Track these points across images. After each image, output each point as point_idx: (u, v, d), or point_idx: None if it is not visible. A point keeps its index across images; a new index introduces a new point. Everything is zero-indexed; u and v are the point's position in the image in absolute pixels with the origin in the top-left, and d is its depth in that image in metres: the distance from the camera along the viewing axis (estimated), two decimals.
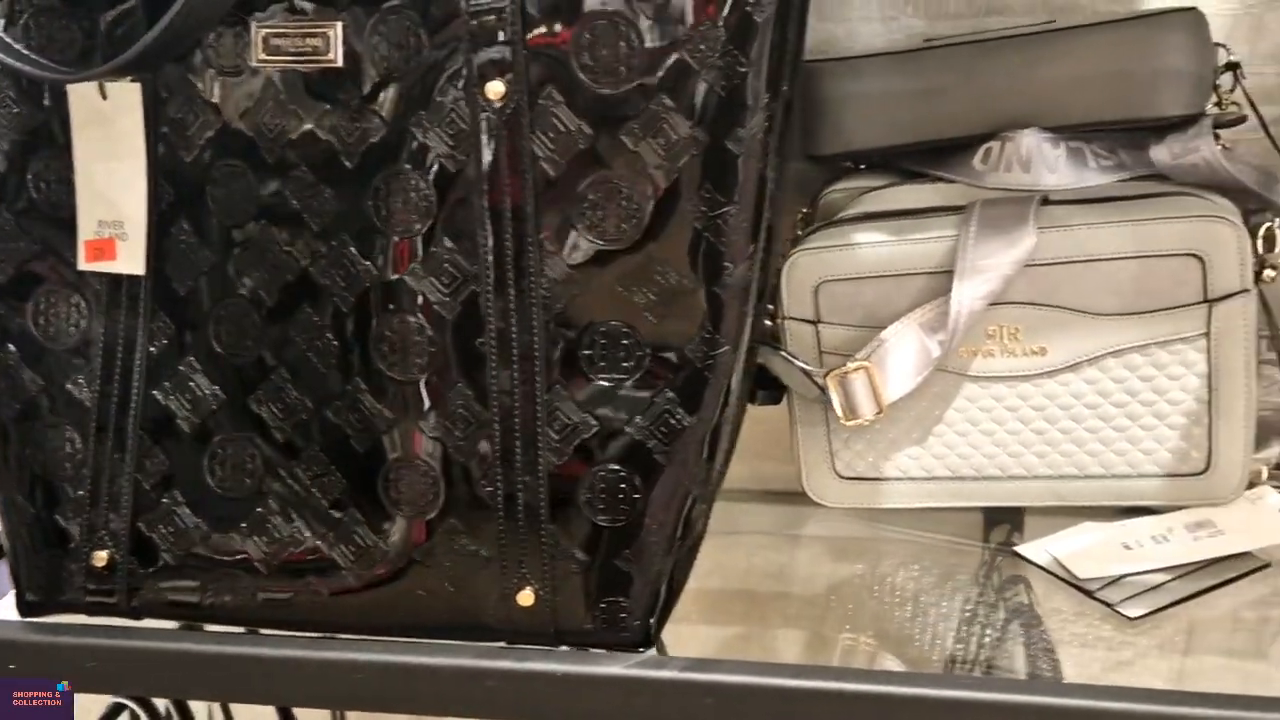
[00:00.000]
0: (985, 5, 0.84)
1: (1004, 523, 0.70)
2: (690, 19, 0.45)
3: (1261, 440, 0.66)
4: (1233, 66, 0.75)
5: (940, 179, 0.70)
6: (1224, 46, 0.76)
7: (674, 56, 0.46)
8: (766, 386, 0.67)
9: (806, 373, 0.63)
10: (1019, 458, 0.64)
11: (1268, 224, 0.67)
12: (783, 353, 0.64)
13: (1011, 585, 0.71)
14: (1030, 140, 0.67)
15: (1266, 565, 0.62)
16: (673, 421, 0.51)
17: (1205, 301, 0.60)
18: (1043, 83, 0.67)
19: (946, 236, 0.62)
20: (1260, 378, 0.67)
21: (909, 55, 0.71)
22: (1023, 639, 0.67)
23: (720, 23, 0.45)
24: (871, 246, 0.63)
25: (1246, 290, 0.59)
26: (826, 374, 0.63)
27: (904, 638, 0.66)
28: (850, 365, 0.62)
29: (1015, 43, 0.68)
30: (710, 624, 0.98)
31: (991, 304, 0.62)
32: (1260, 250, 0.66)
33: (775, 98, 0.47)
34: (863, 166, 0.75)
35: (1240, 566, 0.61)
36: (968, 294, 0.60)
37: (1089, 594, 0.60)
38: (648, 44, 0.46)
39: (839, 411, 0.63)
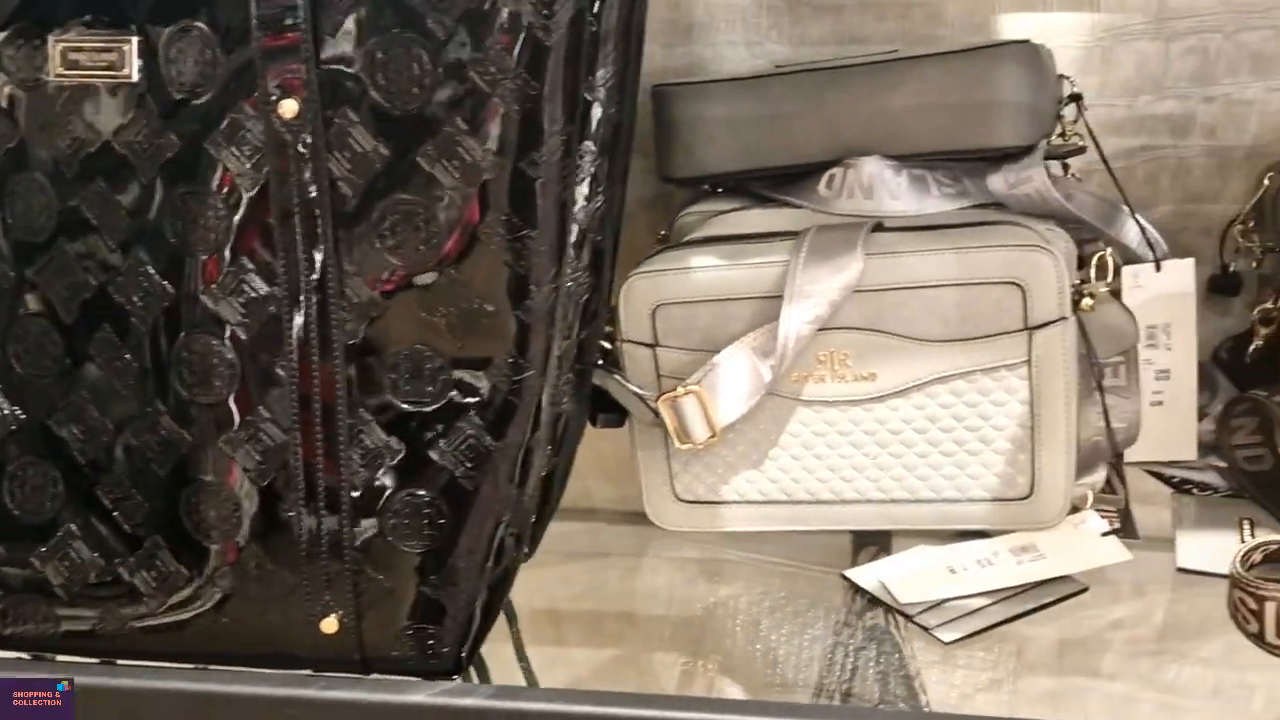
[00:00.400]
0: (847, 33, 0.86)
1: (872, 545, 0.70)
2: (480, 42, 0.45)
3: (1089, 466, 0.68)
4: (1076, 99, 0.76)
5: (788, 204, 0.71)
6: (1067, 79, 0.78)
7: (466, 79, 0.46)
8: (608, 409, 0.67)
9: (639, 396, 0.63)
10: (852, 482, 0.65)
11: (1099, 253, 0.68)
12: (616, 376, 0.64)
13: (871, 610, 0.71)
14: (872, 167, 0.68)
15: (1085, 589, 0.63)
16: (479, 446, 0.50)
17: (1026, 329, 0.61)
18: (886, 111, 0.68)
19: (778, 261, 0.62)
20: (1089, 404, 0.69)
21: (758, 81, 0.72)
22: (879, 665, 0.68)
23: (510, 46, 0.45)
24: (706, 270, 0.64)
25: (1065, 318, 0.60)
26: (658, 398, 0.62)
27: (757, 664, 0.66)
28: (681, 389, 0.62)
29: (860, 71, 0.69)
30: (582, 647, 0.98)
31: (821, 329, 0.62)
32: (1094, 277, 0.68)
33: (571, 121, 0.47)
34: (720, 190, 0.76)
35: (1060, 590, 0.62)
36: (795, 319, 0.61)
37: (909, 618, 0.60)
38: (440, 65, 0.46)
39: (672, 435, 0.63)
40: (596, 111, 0.56)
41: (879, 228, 0.64)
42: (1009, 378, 0.62)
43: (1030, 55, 0.68)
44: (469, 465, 0.51)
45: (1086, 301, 0.61)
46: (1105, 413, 0.64)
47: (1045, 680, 0.64)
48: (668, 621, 0.78)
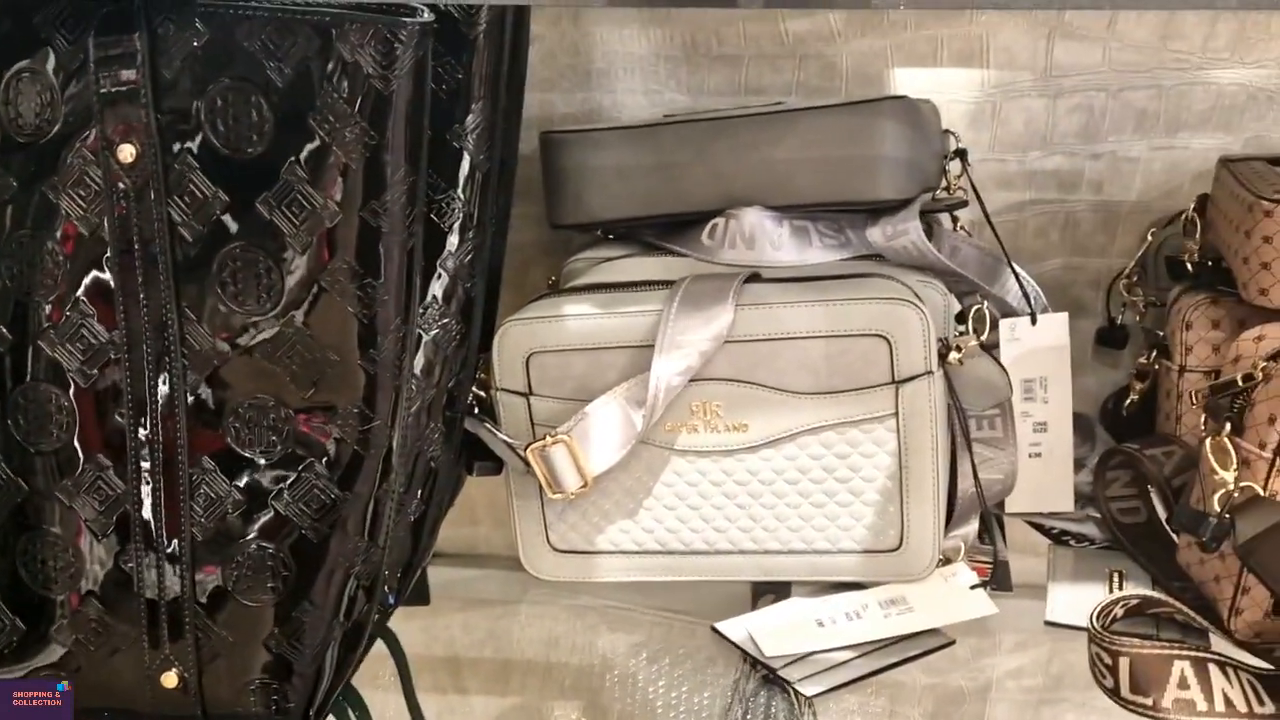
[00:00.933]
0: (745, 83, 0.87)
1: (770, 594, 0.70)
2: (318, 91, 0.45)
3: (965, 517, 0.68)
4: (960, 154, 0.78)
5: (675, 253, 0.71)
6: (952, 134, 0.79)
7: (305, 127, 0.45)
8: (484, 457, 0.66)
9: (509, 445, 0.63)
10: (725, 532, 0.65)
11: (976, 306, 0.69)
12: (487, 424, 0.63)
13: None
14: (753, 217, 0.69)
15: (951, 642, 0.63)
16: (325, 498, 0.50)
17: (894, 382, 0.61)
18: (770, 162, 0.69)
19: (652, 311, 0.62)
20: (966, 457, 0.70)
21: (646, 130, 0.72)
22: (770, 715, 0.67)
23: (348, 96, 0.45)
24: (580, 318, 0.63)
25: (930, 372, 0.61)
26: (527, 447, 0.62)
27: (655, 714, 0.65)
28: (549, 438, 0.62)
29: (745, 122, 0.70)
30: (482, 695, 0.96)
31: (694, 379, 0.62)
32: (970, 330, 0.69)
33: (415, 170, 0.47)
34: (611, 236, 0.76)
35: (927, 643, 0.62)
36: (666, 369, 0.61)
37: (772, 671, 0.60)
38: (279, 113, 0.45)
39: (543, 484, 0.63)
40: (465, 159, 0.56)
41: (755, 278, 0.65)
42: (877, 430, 0.62)
43: (908, 111, 0.69)
44: (314, 517, 0.50)
45: (954, 355, 0.62)
46: (974, 465, 0.65)
47: None
48: (568, 670, 0.77)
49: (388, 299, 0.48)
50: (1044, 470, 0.73)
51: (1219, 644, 0.60)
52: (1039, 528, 0.75)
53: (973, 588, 0.63)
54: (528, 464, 0.62)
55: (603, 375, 0.63)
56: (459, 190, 0.57)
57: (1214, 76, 0.82)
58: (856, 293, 0.61)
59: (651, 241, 0.73)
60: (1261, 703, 0.55)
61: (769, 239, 0.69)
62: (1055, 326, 0.71)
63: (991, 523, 0.75)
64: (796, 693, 0.59)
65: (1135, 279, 0.82)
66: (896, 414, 0.61)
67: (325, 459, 0.49)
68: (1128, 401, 0.74)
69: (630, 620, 0.72)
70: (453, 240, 0.57)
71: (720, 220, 0.69)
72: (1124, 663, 0.55)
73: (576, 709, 0.80)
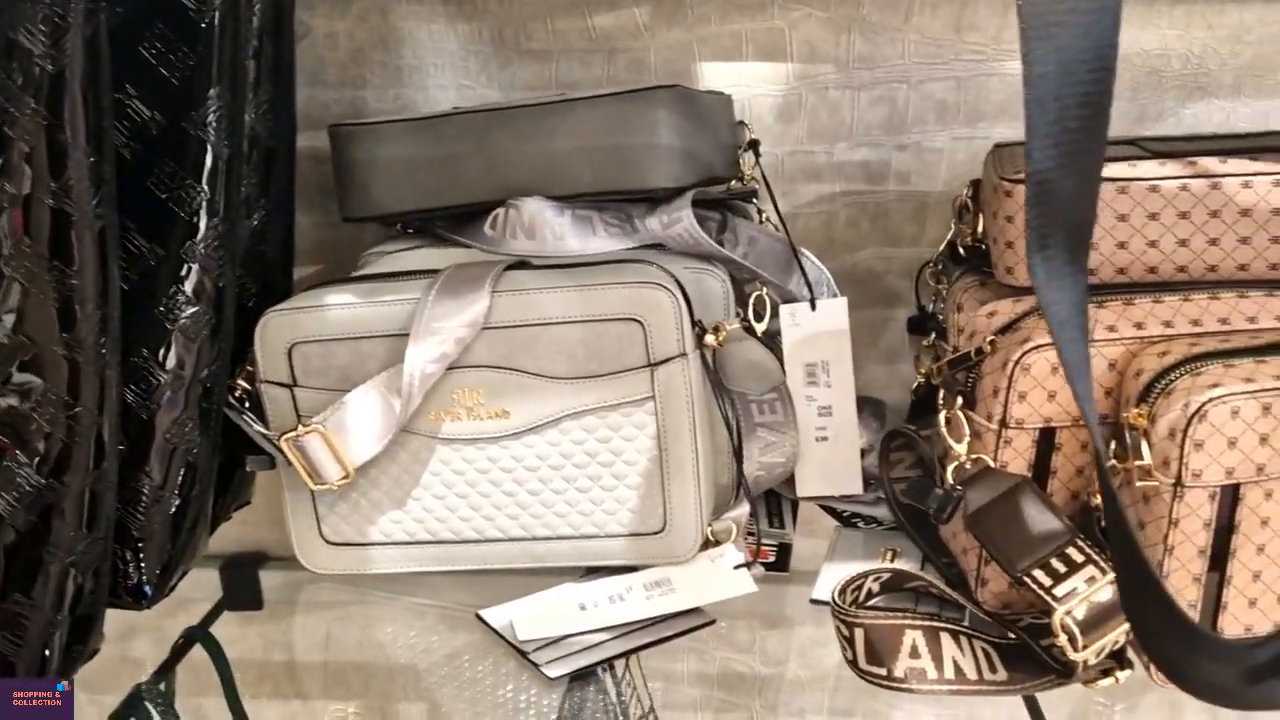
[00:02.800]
0: (556, 78, 0.87)
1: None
2: None
3: (740, 501, 0.69)
4: (753, 145, 0.79)
5: (460, 244, 0.71)
6: (744, 124, 0.80)
7: None
8: (259, 451, 0.66)
9: (266, 436, 0.62)
10: (493, 520, 0.65)
11: (757, 292, 0.70)
12: (245, 416, 0.63)
13: None
14: (532, 207, 0.69)
15: (712, 622, 0.63)
16: (27, 487, 0.49)
17: (649, 365, 0.62)
18: (548, 152, 0.69)
19: (412, 300, 0.62)
20: (751, 440, 0.70)
21: (428, 122, 0.72)
22: (590, 706, 0.68)
23: (20, 77, 0.44)
24: (341, 308, 0.63)
25: (684, 354, 0.61)
26: (280, 437, 0.62)
27: (495, 710, 0.65)
28: (302, 428, 0.61)
29: (524, 113, 0.70)
30: (323, 699, 0.95)
31: (456, 367, 0.62)
32: (751, 317, 0.69)
33: (97, 151, 0.47)
34: (410, 230, 0.76)
35: (686, 623, 0.62)
36: (420, 356, 0.61)
37: (523, 655, 0.60)
38: None
39: (302, 475, 0.62)
40: (206, 147, 0.56)
41: (521, 266, 0.65)
42: (637, 413, 0.62)
43: (683, 100, 0.69)
44: (20, 507, 0.49)
45: (710, 338, 0.62)
46: (738, 448, 0.65)
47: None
48: (410, 671, 0.77)
49: (80, 283, 0.47)
50: (832, 453, 0.73)
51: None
52: (831, 511, 0.76)
53: (737, 568, 0.64)
54: (284, 455, 0.62)
55: (364, 365, 0.63)
56: (201, 179, 0.57)
57: (1009, 68, 0.84)
58: (610, 278, 0.62)
59: (441, 234, 0.73)
60: (994, 670, 0.56)
61: (550, 229, 0.69)
62: (835, 312, 0.72)
63: (784, 506, 0.76)
64: (537, 668, 0.59)
65: (940, 267, 0.83)
66: (654, 397, 0.62)
67: (28, 447, 0.49)
68: (915, 384, 0.76)
69: (469, 620, 0.72)
70: (198, 228, 0.57)
71: (501, 211, 0.69)
72: (859, 634, 0.56)
73: (420, 710, 0.80)
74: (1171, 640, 0.43)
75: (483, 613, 0.63)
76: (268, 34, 0.65)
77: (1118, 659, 0.56)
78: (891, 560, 0.68)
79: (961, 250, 0.72)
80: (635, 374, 0.62)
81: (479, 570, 0.66)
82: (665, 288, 0.61)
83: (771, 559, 0.70)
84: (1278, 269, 0.59)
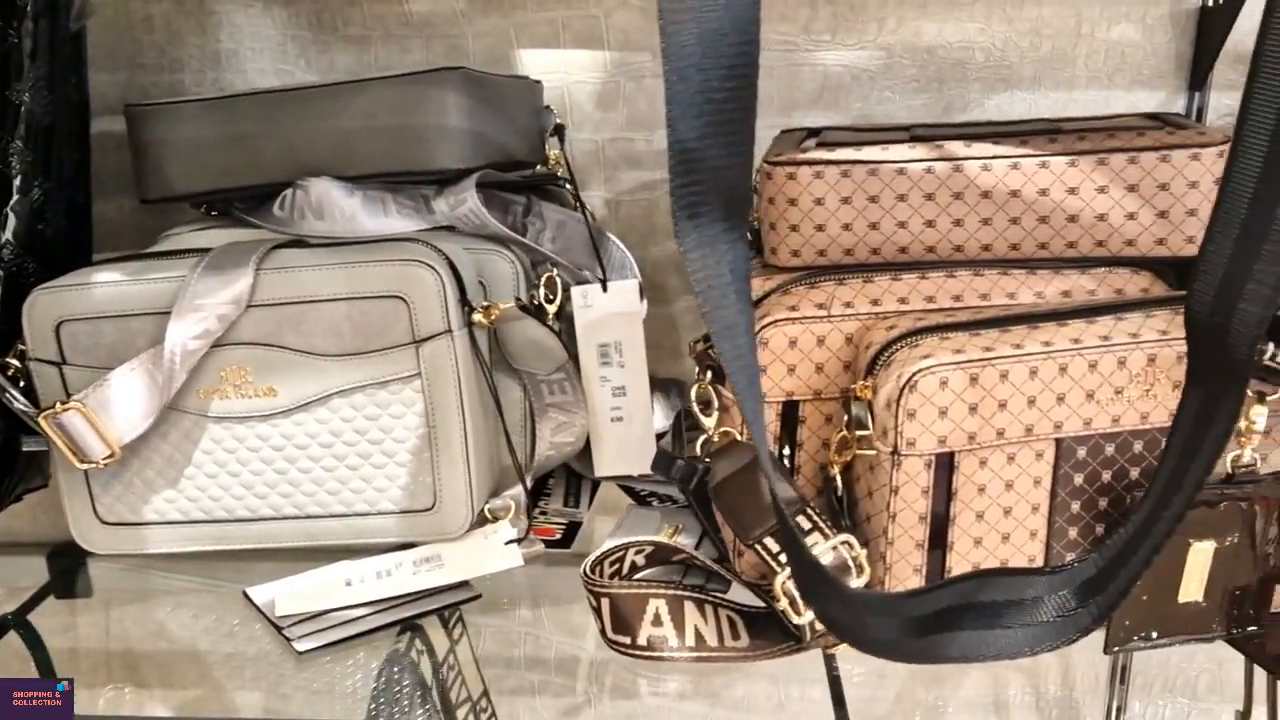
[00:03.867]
0: (374, 63, 0.88)
1: None
2: None
3: (513, 480, 0.70)
4: (559, 130, 0.80)
5: (252, 225, 0.72)
6: (550, 109, 0.81)
7: None
8: (35, 431, 0.65)
9: (25, 413, 0.62)
10: (266, 498, 0.65)
11: (548, 274, 0.71)
12: (8, 393, 0.62)
13: (401, 636, 0.72)
14: (320, 188, 0.69)
15: (477, 596, 0.64)
16: None
17: (414, 342, 0.62)
18: (338, 133, 0.69)
19: (177, 277, 0.62)
20: (543, 420, 0.71)
21: (222, 102, 0.72)
22: (402, 685, 0.68)
23: None
24: (108, 286, 0.63)
25: (449, 331, 0.62)
26: (40, 414, 0.61)
27: (333, 694, 0.65)
28: (60, 406, 0.61)
29: (315, 93, 0.70)
30: (163, 688, 0.95)
31: (220, 344, 0.62)
32: (543, 298, 0.70)
33: None
34: (215, 213, 0.76)
35: (450, 597, 0.63)
36: (181, 333, 0.61)
37: (279, 629, 0.60)
38: None
39: (65, 454, 0.62)
40: (24, 113, 0.57)
41: (295, 244, 0.65)
42: (405, 391, 0.63)
43: (472, 83, 0.70)
44: None
45: (478, 316, 0.63)
46: (504, 426, 0.66)
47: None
48: (246, 659, 0.76)
49: None
50: (627, 433, 0.75)
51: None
52: (629, 490, 0.77)
53: (508, 544, 0.65)
54: (46, 433, 0.62)
55: (132, 343, 0.63)
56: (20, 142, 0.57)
57: (819, 58, 0.86)
58: (374, 255, 0.62)
59: (239, 215, 0.73)
60: (737, 637, 0.58)
61: (339, 209, 0.69)
62: (626, 293, 0.73)
63: (582, 486, 0.77)
64: (289, 642, 0.59)
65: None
66: (420, 374, 0.62)
67: None
68: None
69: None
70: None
71: (289, 192, 0.70)
72: (605, 604, 0.57)
73: (258, 698, 0.80)
74: (832, 601, 0.44)
75: (249, 590, 0.64)
76: (41, 11, 0.65)
77: None
78: (672, 536, 0.69)
79: (749, 235, 0.74)
80: (401, 351, 0.62)
81: (257, 550, 0.66)
82: (429, 265, 0.62)
83: (557, 536, 0.71)
84: (1018, 249, 0.61)
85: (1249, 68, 0.41)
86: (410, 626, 0.73)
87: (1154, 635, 0.57)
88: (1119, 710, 0.99)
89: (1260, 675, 0.80)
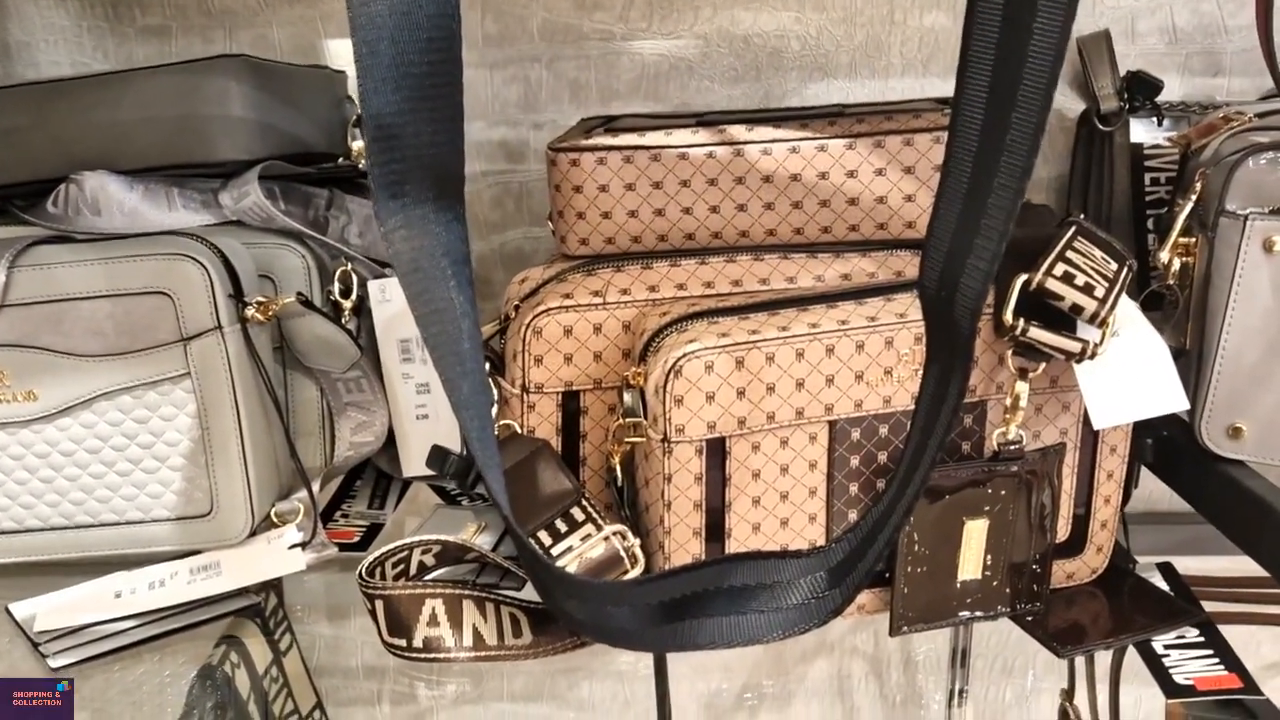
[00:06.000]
0: (178, 54, 0.84)
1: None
2: None
3: (334, 478, 0.67)
4: (359, 122, 0.77)
5: (29, 224, 0.68)
6: (353, 100, 0.79)
7: None
8: None
9: None
10: (32, 509, 0.61)
11: (342, 268, 0.69)
12: None
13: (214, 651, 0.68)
14: (94, 182, 0.66)
15: (256, 604, 0.61)
16: None
17: (182, 340, 0.59)
18: (113, 124, 0.66)
19: None
20: (345, 418, 0.69)
21: None
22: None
23: None
24: None
25: (219, 328, 0.59)
26: None
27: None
28: None
29: (85, 84, 0.67)
30: None
31: None
32: (338, 294, 0.68)
33: None
34: None
35: (227, 605, 0.60)
36: None
37: (35, 645, 0.57)
38: None
39: None
40: None
41: (59, 240, 0.62)
42: (175, 391, 0.60)
43: (256, 71, 0.67)
44: None
45: (252, 312, 0.61)
46: (286, 428, 0.64)
47: None
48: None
49: None
50: (433, 431, 0.72)
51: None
52: (439, 490, 0.75)
53: (291, 548, 0.62)
54: None
55: None
56: None
57: (637, 47, 0.85)
58: (135, 250, 0.59)
59: (15, 213, 0.69)
60: (519, 635, 0.56)
61: (116, 205, 0.66)
62: None
63: (390, 487, 0.75)
64: (44, 658, 0.56)
65: None
66: (190, 373, 0.60)
67: None
68: None
69: None
70: None
71: (63, 187, 0.66)
72: (380, 605, 0.55)
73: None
74: (568, 597, 0.43)
75: (10, 606, 0.60)
76: None
77: None
78: (475, 535, 0.67)
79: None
80: (169, 350, 0.59)
81: (25, 564, 0.62)
82: (194, 258, 0.59)
83: (355, 539, 0.68)
84: (802, 233, 0.60)
85: (959, 52, 0.40)
86: (226, 638, 0.70)
87: (936, 617, 0.57)
88: (961, 693, 1.00)
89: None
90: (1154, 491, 0.71)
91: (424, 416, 0.73)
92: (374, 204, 0.38)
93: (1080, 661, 0.81)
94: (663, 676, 0.74)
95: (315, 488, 0.65)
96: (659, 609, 0.43)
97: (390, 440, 0.72)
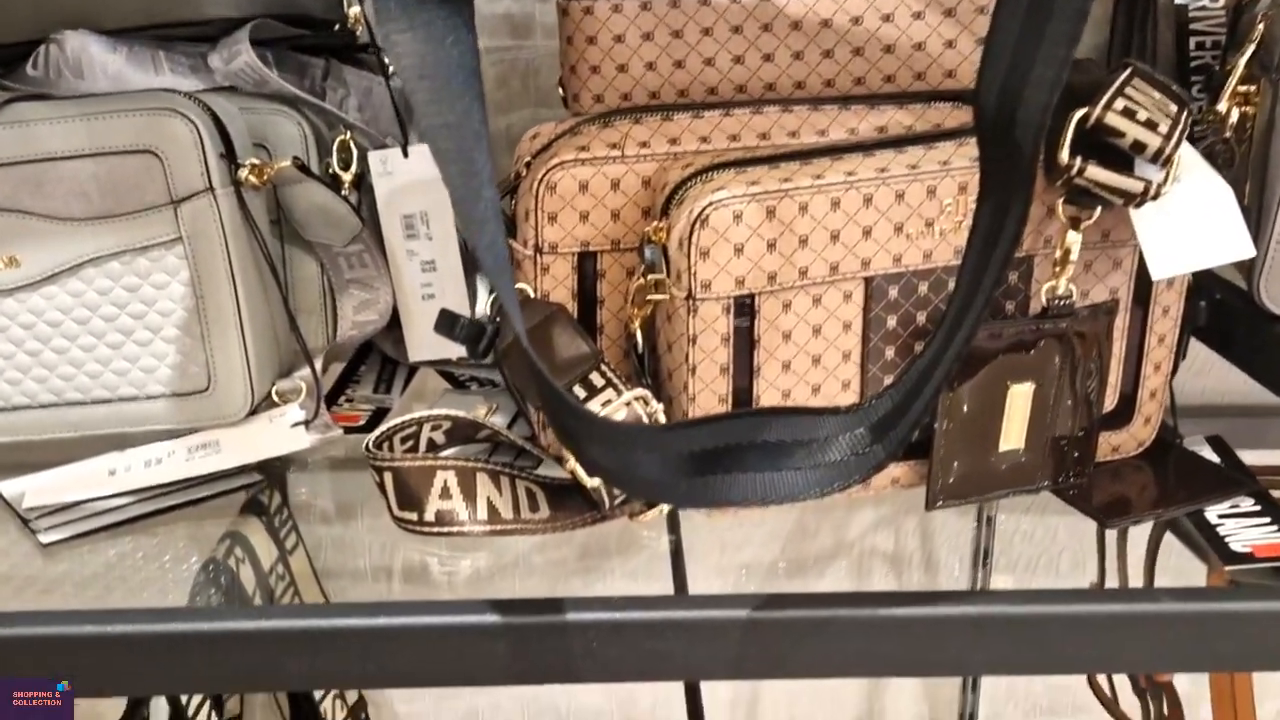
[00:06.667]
0: None
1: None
2: None
3: (337, 359, 0.64)
4: None
5: (7, 89, 0.64)
6: None
7: None
8: None
9: None
10: (18, 385, 0.58)
11: (341, 137, 0.65)
12: None
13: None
14: (76, 42, 0.61)
15: (260, 481, 0.59)
16: None
17: (172, 203, 0.56)
18: None
19: None
20: (347, 296, 0.66)
21: None
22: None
23: None
24: None
25: (211, 189, 0.56)
26: None
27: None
28: None
29: None
30: None
31: None
32: (337, 164, 0.64)
33: None
34: None
35: (228, 483, 0.58)
36: None
37: (25, 522, 0.54)
38: None
39: None
40: None
41: (38, 97, 0.58)
42: (166, 257, 0.56)
43: None
44: None
45: (246, 174, 0.57)
46: (287, 302, 0.60)
47: None
48: None
49: None
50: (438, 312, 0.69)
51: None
52: (447, 376, 0.72)
53: (294, 425, 0.59)
54: None
55: None
56: None
57: None
58: (119, 106, 0.56)
59: None
60: (536, 509, 0.54)
61: (100, 67, 0.62)
62: (428, 159, 0.67)
63: (396, 372, 0.72)
64: (34, 534, 0.53)
65: None
66: (182, 238, 0.56)
67: None
68: None
69: None
70: None
71: (43, 48, 0.62)
72: (389, 478, 0.52)
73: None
74: (594, 440, 0.40)
75: (2, 484, 0.57)
76: None
77: None
78: (486, 416, 0.64)
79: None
80: (158, 212, 0.56)
81: (13, 444, 0.59)
82: (182, 114, 0.55)
83: (361, 423, 0.65)
84: (833, 85, 0.56)
85: None
86: (230, 534, 0.67)
87: (976, 490, 0.54)
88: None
89: (1112, 547, 0.79)
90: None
91: (430, 296, 0.69)
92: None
93: (1111, 555, 0.79)
94: (678, 551, 0.71)
95: (318, 365, 0.62)
96: (690, 460, 0.40)
97: (395, 323, 0.68)
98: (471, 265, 0.71)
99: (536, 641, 0.45)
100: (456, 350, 0.70)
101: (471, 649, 0.45)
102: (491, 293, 0.68)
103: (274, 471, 0.71)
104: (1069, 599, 0.46)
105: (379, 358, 0.73)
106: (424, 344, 0.70)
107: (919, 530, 0.96)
